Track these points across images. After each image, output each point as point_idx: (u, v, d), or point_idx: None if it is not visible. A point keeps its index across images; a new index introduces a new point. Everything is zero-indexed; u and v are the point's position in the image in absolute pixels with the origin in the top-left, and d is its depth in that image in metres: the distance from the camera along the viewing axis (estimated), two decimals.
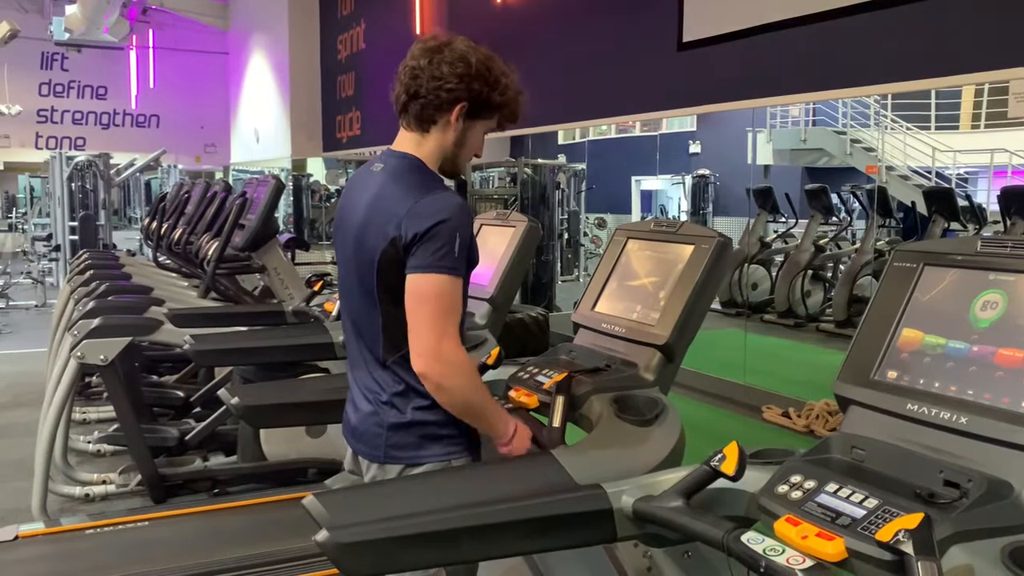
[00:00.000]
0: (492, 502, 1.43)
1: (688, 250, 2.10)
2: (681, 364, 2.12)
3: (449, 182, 1.99)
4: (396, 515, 1.37)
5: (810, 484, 1.36)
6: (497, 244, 2.86)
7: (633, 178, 14.32)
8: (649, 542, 1.56)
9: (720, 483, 1.41)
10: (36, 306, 10.93)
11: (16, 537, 3.09)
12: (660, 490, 1.45)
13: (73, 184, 12.08)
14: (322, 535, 1.32)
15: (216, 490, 3.98)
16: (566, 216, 11.51)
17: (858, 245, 8.54)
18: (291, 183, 13.11)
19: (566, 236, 11.64)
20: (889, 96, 10.13)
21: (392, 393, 1.83)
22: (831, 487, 1.34)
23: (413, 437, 1.82)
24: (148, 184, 17.37)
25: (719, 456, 1.40)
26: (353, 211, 1.86)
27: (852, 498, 1.30)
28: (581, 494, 1.49)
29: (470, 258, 1.79)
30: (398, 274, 1.74)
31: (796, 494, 1.35)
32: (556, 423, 1.84)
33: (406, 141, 1.86)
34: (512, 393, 2.05)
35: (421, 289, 1.71)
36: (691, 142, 13.18)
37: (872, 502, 1.27)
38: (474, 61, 1.78)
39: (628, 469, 1.60)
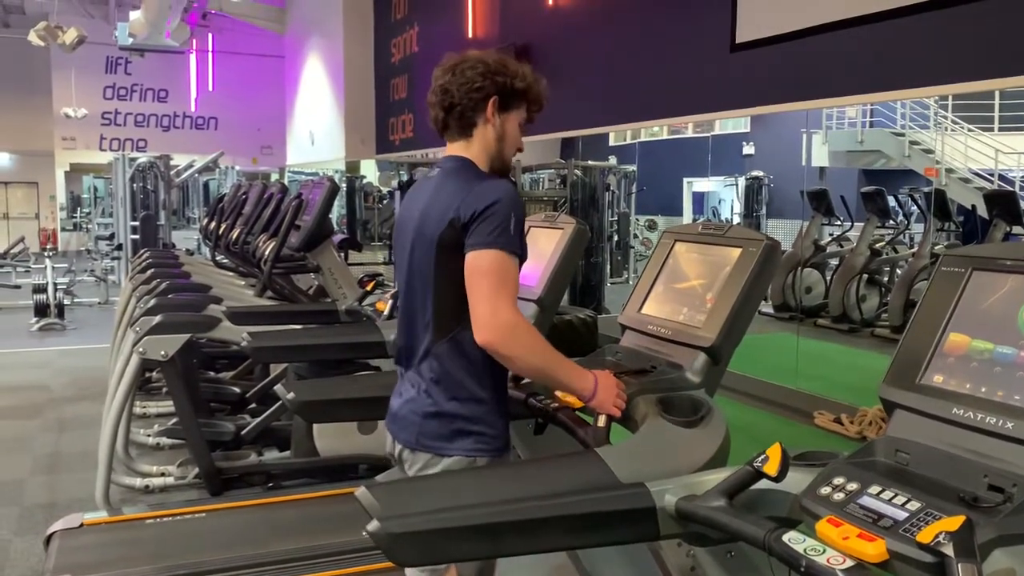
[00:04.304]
0: (537, 498, 1.47)
1: (735, 253, 2.11)
2: (728, 367, 2.13)
3: None
4: (445, 507, 1.41)
5: (853, 486, 1.37)
6: (545, 246, 2.88)
7: (685, 180, 14.20)
8: (692, 541, 1.58)
9: (763, 484, 1.42)
10: (99, 303, 11.27)
11: (81, 524, 3.23)
12: (703, 490, 1.47)
13: (135, 185, 12.39)
14: (373, 525, 1.37)
15: (270, 484, 4.07)
16: (616, 218, 11.47)
17: (915, 249, 8.37)
18: (345, 185, 13.29)
19: (616, 238, 11.59)
20: (950, 97, 9.89)
21: (430, 380, 1.93)
22: (874, 489, 1.34)
23: (443, 428, 1.91)
24: (206, 185, 17.71)
25: (762, 457, 1.41)
26: (413, 209, 2.02)
27: (895, 500, 1.30)
28: (625, 492, 1.51)
29: (522, 246, 1.89)
30: (455, 252, 1.86)
31: (839, 496, 1.36)
32: (600, 423, 1.86)
33: (455, 149, 2.02)
34: (558, 392, 2.08)
35: (479, 264, 1.82)
36: (745, 143, 13.04)
37: (914, 505, 1.28)
38: (491, 61, 1.98)
39: (672, 469, 1.61)
